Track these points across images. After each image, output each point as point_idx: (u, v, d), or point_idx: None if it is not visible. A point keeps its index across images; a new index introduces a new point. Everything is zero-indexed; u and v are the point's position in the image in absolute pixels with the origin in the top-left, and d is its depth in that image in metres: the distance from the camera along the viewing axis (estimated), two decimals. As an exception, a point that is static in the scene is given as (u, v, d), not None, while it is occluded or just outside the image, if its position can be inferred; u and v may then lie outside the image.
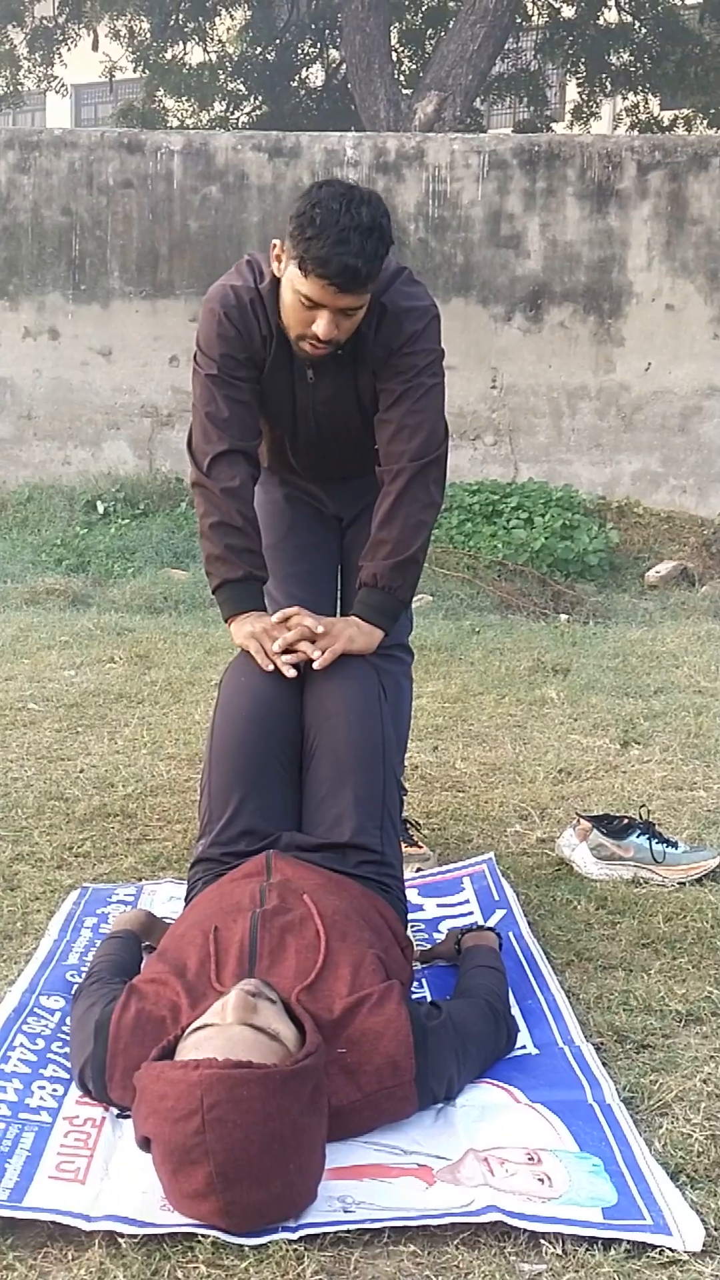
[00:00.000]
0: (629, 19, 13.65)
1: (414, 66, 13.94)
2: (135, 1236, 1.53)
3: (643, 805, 3.07)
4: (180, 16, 13.66)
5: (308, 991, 1.78)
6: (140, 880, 2.76)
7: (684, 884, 2.74)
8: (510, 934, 2.42)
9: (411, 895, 2.56)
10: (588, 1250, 1.52)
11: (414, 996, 2.13)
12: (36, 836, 2.99)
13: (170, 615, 5.81)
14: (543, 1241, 1.54)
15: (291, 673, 2.36)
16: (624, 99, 14.86)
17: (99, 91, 18.86)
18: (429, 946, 2.39)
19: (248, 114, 14.65)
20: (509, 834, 3.10)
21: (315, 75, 15.23)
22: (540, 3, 13.52)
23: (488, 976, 2.12)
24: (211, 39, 14.29)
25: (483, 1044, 1.93)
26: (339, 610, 2.80)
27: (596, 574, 6.80)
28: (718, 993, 2.20)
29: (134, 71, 14.15)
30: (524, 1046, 2.01)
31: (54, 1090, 1.85)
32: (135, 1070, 1.65)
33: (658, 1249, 1.51)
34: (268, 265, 2.44)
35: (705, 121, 14.44)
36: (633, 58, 13.65)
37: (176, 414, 7.92)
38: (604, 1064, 1.94)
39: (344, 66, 12.79)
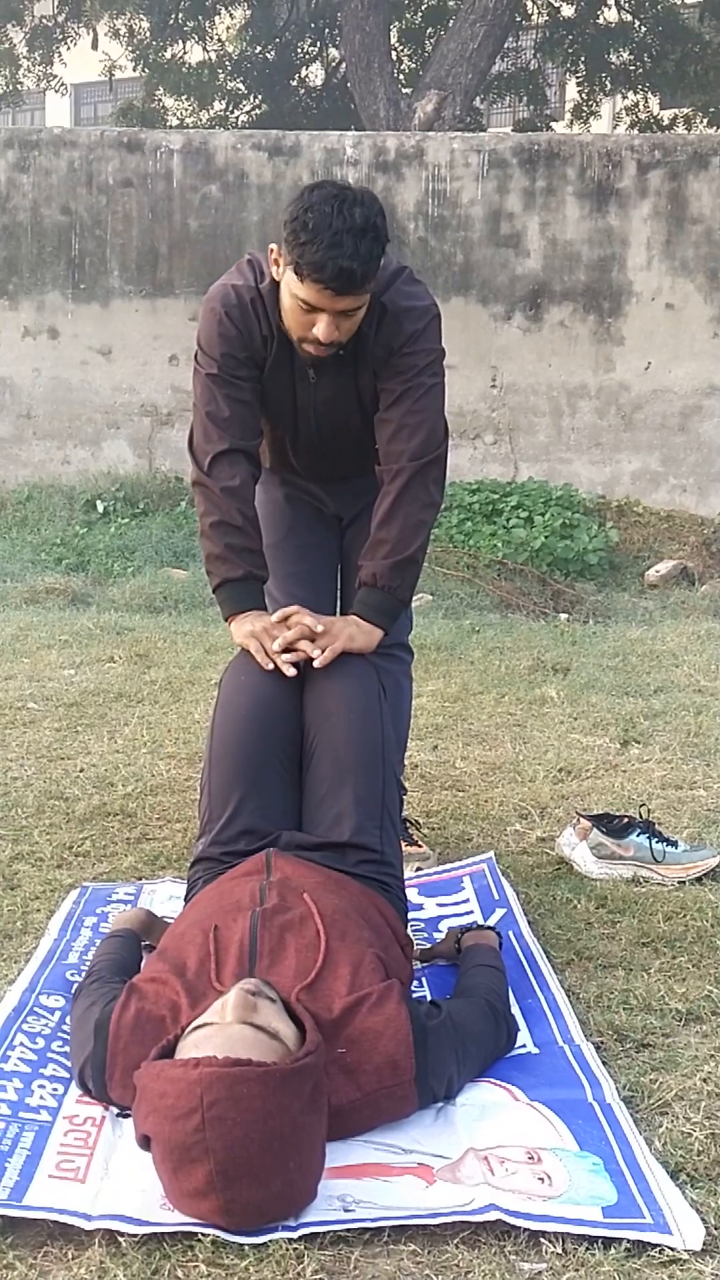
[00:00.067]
0: (629, 18, 13.65)
1: (414, 65, 13.95)
2: (135, 1235, 1.53)
3: (642, 804, 3.07)
4: (180, 15, 13.66)
5: (307, 990, 1.78)
6: (140, 879, 2.76)
7: (684, 883, 2.74)
8: (510, 933, 2.42)
9: (411, 894, 2.56)
10: (588, 1249, 1.52)
11: (414, 996, 2.13)
12: (36, 836, 2.99)
13: (170, 614, 5.81)
14: (543, 1240, 1.54)
15: (291, 671, 2.36)
16: (624, 98, 14.86)
17: (98, 90, 18.86)
18: (429, 945, 2.39)
19: (247, 113, 14.65)
20: (509, 833, 3.10)
21: (315, 74, 15.23)
22: (540, 2, 13.52)
23: (487, 975, 2.12)
24: (211, 38, 14.29)
25: (483, 1043, 1.93)
26: (339, 609, 2.80)
27: (596, 573, 6.80)
28: (718, 992, 2.21)
29: (133, 70, 14.15)
30: (524, 1045, 2.01)
31: (54, 1089, 1.85)
32: (135, 1069, 1.65)
33: (658, 1248, 1.52)
34: (268, 265, 2.44)
35: (705, 120, 14.44)
36: (632, 57, 13.66)
37: (176, 413, 7.92)
38: (604, 1063, 1.94)
39: (344, 65, 12.79)
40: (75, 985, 2.09)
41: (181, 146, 7.97)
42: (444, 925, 2.51)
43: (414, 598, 2.71)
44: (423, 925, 2.54)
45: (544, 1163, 1.68)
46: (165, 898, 2.59)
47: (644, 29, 13.53)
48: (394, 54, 12.74)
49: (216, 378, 2.48)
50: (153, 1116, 1.55)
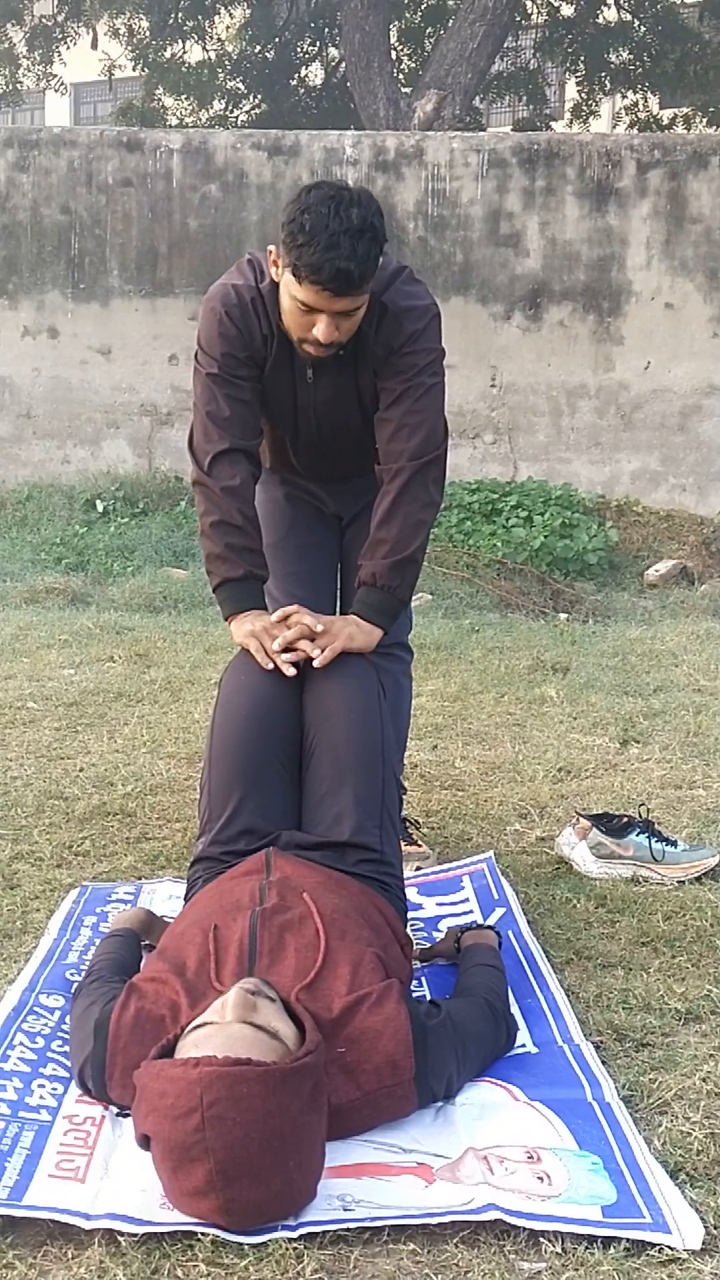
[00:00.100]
0: (628, 17, 13.65)
1: (413, 65, 13.94)
2: (135, 1235, 1.53)
3: (642, 804, 3.07)
4: (179, 15, 13.66)
5: (307, 990, 1.78)
6: (140, 879, 2.76)
7: (683, 882, 2.74)
8: (510, 932, 2.42)
9: (411, 894, 2.56)
10: (587, 1248, 1.52)
11: (413, 995, 2.13)
12: (36, 835, 2.99)
13: (169, 614, 5.81)
14: (542, 1240, 1.54)
15: (291, 671, 2.36)
16: (623, 97, 14.86)
17: (98, 90, 18.86)
18: (428, 945, 2.39)
19: (247, 112, 14.64)
20: (508, 832, 3.10)
21: (314, 74, 15.23)
22: (539, 1, 13.51)
23: (487, 975, 2.12)
24: (211, 37, 14.29)
25: (482, 1042, 1.93)
26: (339, 609, 2.80)
27: (596, 573, 6.80)
28: (717, 991, 2.21)
29: (133, 70, 14.14)
30: (523, 1045, 2.01)
31: (54, 1089, 1.85)
32: (135, 1069, 1.65)
33: (657, 1247, 1.52)
34: (268, 265, 2.45)
35: (704, 120, 14.43)
36: (632, 56, 13.65)
37: (176, 413, 7.92)
38: (603, 1062, 1.94)
39: (343, 65, 12.79)
40: (75, 985, 2.09)
41: (181, 146, 7.97)
42: (443, 925, 2.51)
43: (413, 597, 2.71)
44: (422, 925, 2.54)
45: (543, 1162, 1.68)
46: (165, 897, 2.59)
47: (643, 28, 13.53)
48: (393, 53, 12.74)
49: (217, 377, 2.48)
50: (152, 1116, 1.55)
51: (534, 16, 13.67)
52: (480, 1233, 1.55)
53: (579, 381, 7.92)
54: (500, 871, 2.76)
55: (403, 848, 2.55)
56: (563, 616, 6.09)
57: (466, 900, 2.65)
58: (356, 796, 2.24)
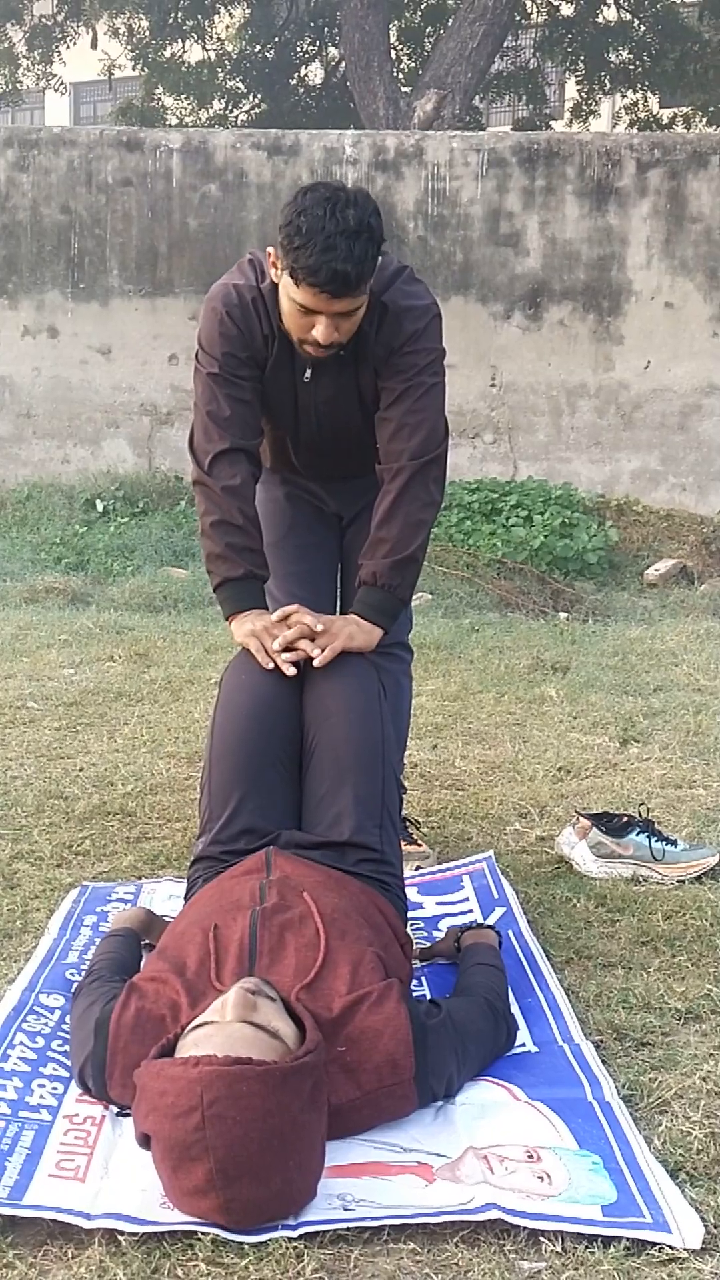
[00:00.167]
0: (628, 17, 13.64)
1: (413, 64, 13.94)
2: (135, 1234, 1.53)
3: (642, 803, 3.07)
4: (179, 14, 13.65)
5: (307, 990, 1.78)
6: (140, 878, 2.76)
7: (683, 882, 2.74)
8: (510, 932, 2.42)
9: (411, 893, 2.56)
10: (587, 1248, 1.52)
11: (413, 995, 2.13)
12: (36, 835, 2.99)
13: (169, 614, 5.81)
14: (542, 1239, 1.54)
15: (291, 671, 2.36)
16: (623, 97, 14.85)
17: (98, 89, 18.85)
18: (428, 944, 2.39)
19: (247, 112, 14.64)
20: (508, 832, 3.10)
21: (314, 73, 15.22)
22: (539, 1, 13.51)
23: (487, 974, 2.12)
24: (210, 37, 14.28)
25: (482, 1042, 1.93)
26: (339, 609, 2.80)
27: (596, 572, 6.80)
28: (717, 990, 2.21)
29: (133, 69, 14.14)
30: (523, 1044, 2.02)
31: (54, 1088, 1.85)
32: (135, 1068, 1.65)
33: (657, 1246, 1.52)
34: (267, 266, 2.44)
35: (704, 119, 14.42)
36: (632, 55, 13.64)
37: (176, 412, 7.92)
38: (603, 1062, 1.94)
39: (343, 64, 12.79)
40: (75, 984, 2.09)
41: (181, 146, 7.97)
42: (443, 924, 2.51)
43: (414, 597, 2.71)
44: (422, 924, 2.54)
45: (543, 1161, 1.68)
46: (165, 897, 2.59)
47: (643, 28, 13.52)
48: (393, 53, 12.73)
49: (217, 377, 2.48)
50: (153, 1115, 1.55)
51: (534, 16, 13.66)
52: (480, 1232, 1.55)
53: (579, 381, 7.92)
54: (500, 871, 2.76)
55: (403, 847, 2.55)
56: (563, 616, 6.09)
57: (466, 900, 2.65)
58: (356, 796, 2.24)
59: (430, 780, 3.47)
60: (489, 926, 2.38)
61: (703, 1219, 1.56)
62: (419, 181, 7.89)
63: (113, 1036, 1.78)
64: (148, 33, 13.77)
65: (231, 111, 14.71)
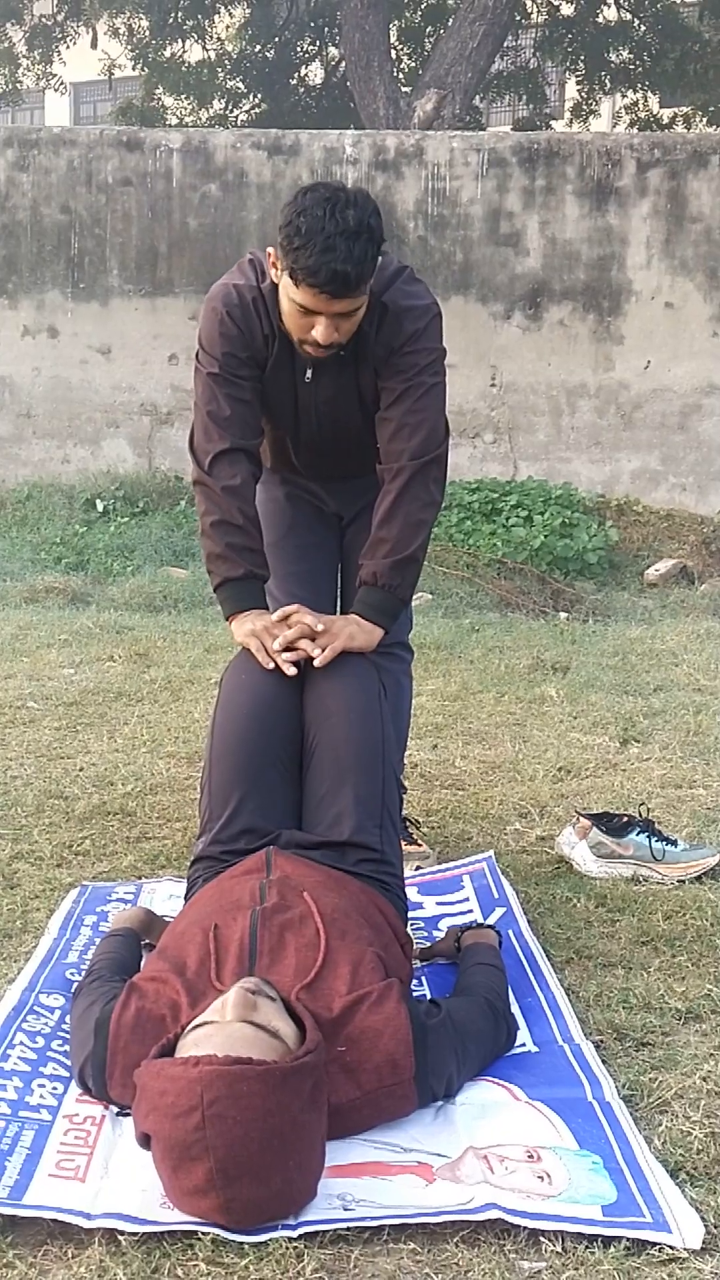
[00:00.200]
0: (628, 16, 13.64)
1: (413, 64, 13.94)
2: (135, 1234, 1.53)
3: (642, 803, 3.07)
4: (179, 14, 13.65)
5: (307, 990, 1.78)
6: (140, 878, 2.76)
7: (683, 882, 2.74)
8: (510, 932, 2.42)
9: (411, 893, 2.56)
10: (587, 1248, 1.52)
11: (413, 994, 2.13)
12: (36, 835, 2.99)
13: (169, 613, 5.81)
14: (542, 1239, 1.54)
15: (292, 670, 2.36)
16: (623, 97, 14.86)
17: (98, 89, 18.86)
18: (428, 944, 2.39)
19: (247, 112, 14.64)
20: (508, 832, 3.10)
21: (314, 73, 15.22)
22: (539, 0, 13.51)
23: (487, 974, 2.12)
24: (210, 37, 14.28)
25: (482, 1042, 1.93)
26: (339, 609, 2.80)
27: (596, 572, 6.80)
28: (717, 990, 2.21)
29: (133, 69, 14.14)
30: (523, 1044, 2.02)
31: (54, 1088, 1.85)
32: (135, 1068, 1.65)
33: (657, 1246, 1.52)
34: (268, 266, 2.44)
35: (704, 119, 14.42)
36: (632, 55, 13.65)
37: (176, 412, 7.92)
38: (603, 1061, 1.94)
39: (343, 64, 12.79)
40: (75, 984, 2.09)
41: (181, 145, 7.96)
42: (443, 924, 2.51)
43: (414, 597, 2.71)
44: (422, 924, 2.54)
45: (543, 1161, 1.68)
46: (165, 897, 2.59)
47: (643, 27, 13.53)
48: (393, 53, 12.74)
49: (218, 377, 2.48)
50: (153, 1115, 1.55)
51: (534, 16, 13.67)
52: (480, 1232, 1.55)
53: (579, 381, 7.92)
54: (500, 871, 2.76)
55: (403, 847, 2.55)
56: (563, 616, 6.09)
57: (466, 899, 2.65)
58: (357, 796, 2.24)
59: (430, 780, 3.47)
60: (489, 926, 2.38)
61: (703, 1219, 1.56)
62: (419, 181, 7.89)
63: (113, 1036, 1.78)
64: (148, 32, 13.77)
65: (231, 111, 14.71)
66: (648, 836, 2.79)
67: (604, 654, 5.05)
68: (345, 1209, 1.58)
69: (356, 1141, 1.72)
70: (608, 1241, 1.52)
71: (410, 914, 2.44)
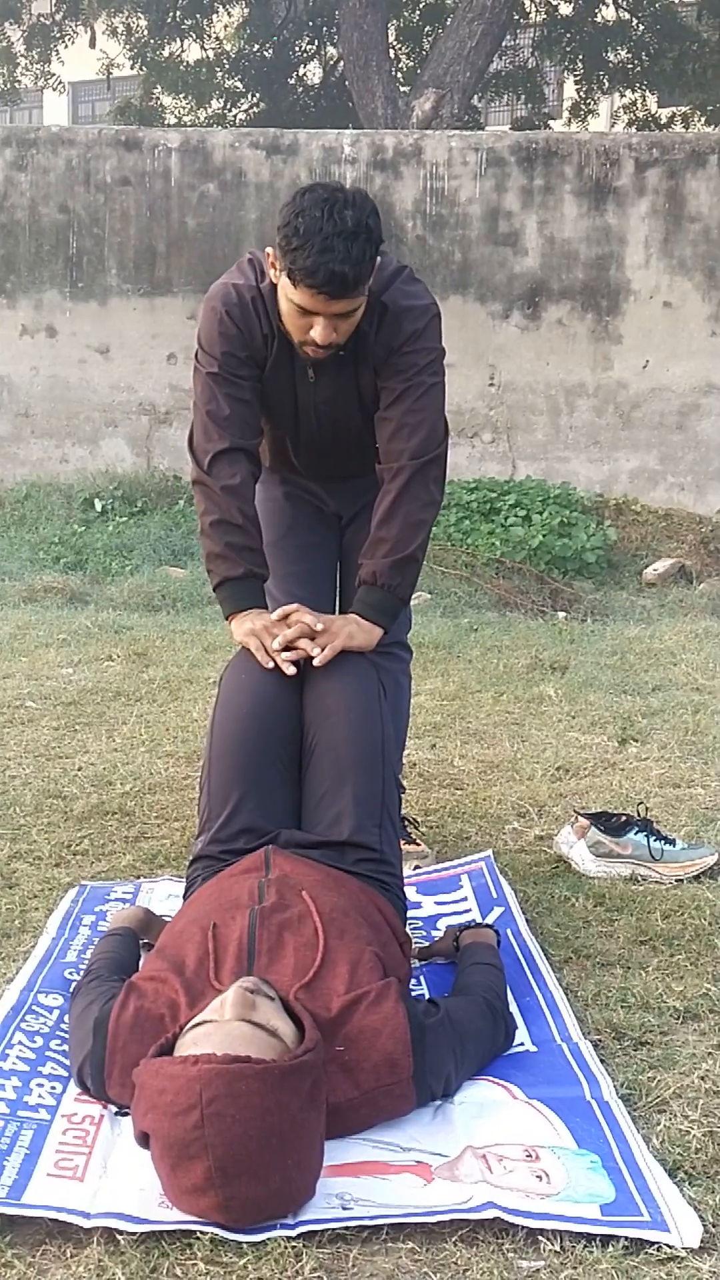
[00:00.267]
0: (626, 16, 13.64)
1: (412, 64, 13.93)
2: (134, 1234, 1.53)
3: (641, 802, 3.08)
4: (178, 14, 13.65)
5: (306, 989, 1.78)
6: (138, 878, 2.76)
7: (681, 881, 2.74)
8: (508, 931, 2.42)
9: (410, 893, 2.56)
10: (586, 1247, 1.52)
11: (412, 994, 2.13)
12: (34, 834, 2.99)
13: (168, 613, 5.80)
14: (541, 1238, 1.54)
15: (291, 670, 2.36)
16: (622, 96, 14.86)
17: (96, 89, 18.85)
18: (427, 944, 2.39)
19: (245, 111, 14.64)
20: (507, 831, 3.10)
21: (313, 73, 15.22)
22: (538, 0, 13.51)
23: (486, 974, 2.12)
24: (209, 36, 14.28)
25: (480, 1041, 1.93)
26: (338, 608, 2.80)
27: (594, 571, 6.80)
28: (715, 990, 2.21)
29: (131, 69, 14.14)
30: (522, 1044, 2.02)
31: (52, 1088, 1.85)
32: (134, 1068, 1.65)
33: (655, 1245, 1.52)
34: (267, 267, 2.44)
35: (703, 119, 14.43)
36: (630, 55, 13.65)
37: (174, 412, 7.92)
38: (602, 1061, 1.94)
39: (342, 64, 12.79)
40: (73, 984, 2.09)
41: (179, 145, 7.96)
42: (442, 923, 2.51)
43: (413, 596, 2.71)
44: (421, 923, 2.54)
45: (542, 1160, 1.68)
46: (163, 896, 2.59)
47: (642, 27, 13.53)
48: (392, 52, 12.73)
49: (217, 376, 2.48)
50: (152, 1113, 1.55)
51: (532, 15, 13.67)
52: (479, 1231, 1.55)
53: (577, 380, 7.92)
54: (499, 870, 2.76)
55: (402, 847, 2.55)
56: (561, 615, 6.09)
57: (465, 899, 2.65)
58: (356, 796, 2.24)
59: (429, 780, 3.47)
60: (487, 926, 2.38)
61: (701, 1218, 1.56)
62: (417, 181, 7.89)
63: (111, 1036, 1.78)
64: (146, 32, 13.77)
65: (230, 111, 14.71)
66: (646, 836, 2.79)
67: (602, 653, 5.05)
68: (344, 1208, 1.58)
69: (355, 1141, 1.72)
70: (606, 1240, 1.53)
71: (409, 913, 2.44)
